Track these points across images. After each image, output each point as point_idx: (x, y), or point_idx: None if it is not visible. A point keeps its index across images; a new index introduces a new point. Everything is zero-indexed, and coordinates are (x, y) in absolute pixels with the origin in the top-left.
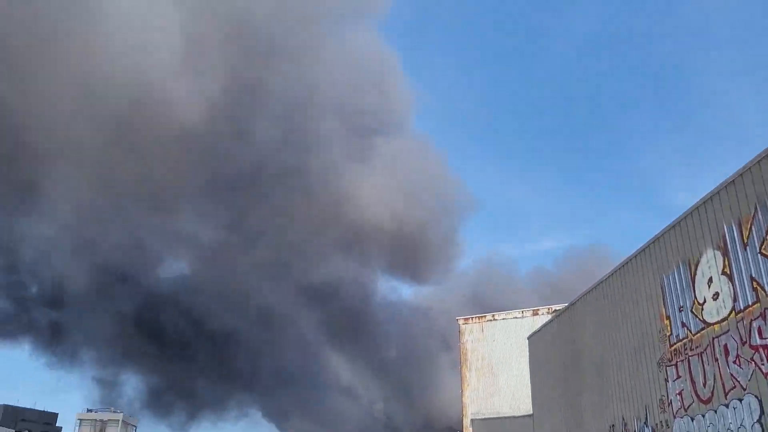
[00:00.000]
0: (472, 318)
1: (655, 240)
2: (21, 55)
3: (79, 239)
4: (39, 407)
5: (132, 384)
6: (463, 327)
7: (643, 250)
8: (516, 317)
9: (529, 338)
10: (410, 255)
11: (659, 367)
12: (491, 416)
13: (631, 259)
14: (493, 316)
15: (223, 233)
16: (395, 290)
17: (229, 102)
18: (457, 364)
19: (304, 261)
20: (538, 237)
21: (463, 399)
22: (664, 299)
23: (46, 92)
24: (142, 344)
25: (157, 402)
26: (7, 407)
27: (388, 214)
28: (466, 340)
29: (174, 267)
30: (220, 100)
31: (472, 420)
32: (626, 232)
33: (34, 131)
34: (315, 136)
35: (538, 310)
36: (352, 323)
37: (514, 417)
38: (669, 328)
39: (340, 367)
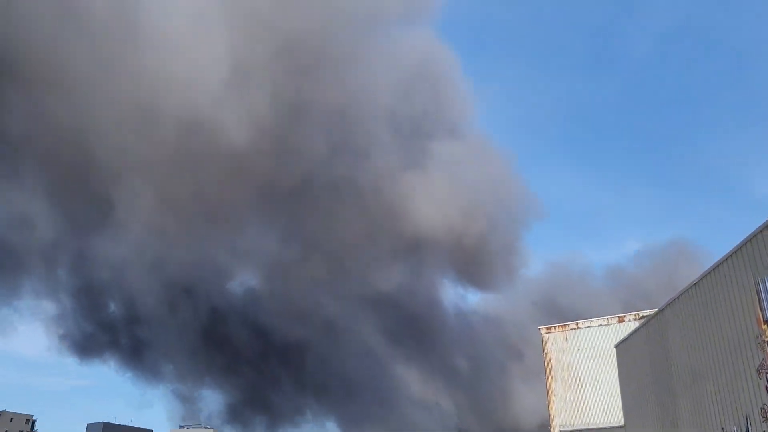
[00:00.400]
0: (554, 327)
1: (749, 241)
2: (86, 84)
3: (151, 258)
4: (134, 424)
5: (211, 398)
6: (545, 336)
7: (736, 252)
8: (601, 325)
9: (616, 346)
10: (477, 263)
11: (759, 375)
12: (581, 427)
13: (722, 262)
14: (577, 324)
15: (288, 247)
16: (464, 299)
17: (283, 118)
18: (532, 373)
19: (370, 271)
20: (616, 240)
21: (550, 410)
22: (760, 303)
23: (110, 118)
24: (217, 358)
25: (237, 415)
26: (106, 424)
27: (451, 221)
28: (550, 350)
29: (241, 282)
30: (272, 118)
31: None
32: (711, 230)
33: (105, 152)
34: (376, 144)
35: (624, 317)
36: (423, 333)
37: (606, 428)
38: (767, 333)
39: (413, 378)
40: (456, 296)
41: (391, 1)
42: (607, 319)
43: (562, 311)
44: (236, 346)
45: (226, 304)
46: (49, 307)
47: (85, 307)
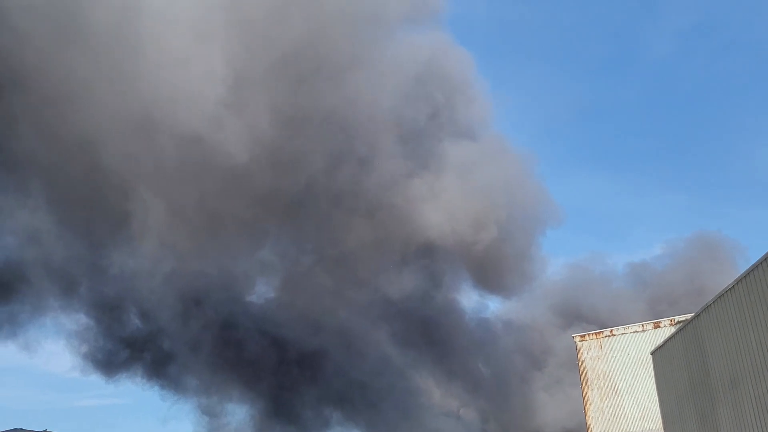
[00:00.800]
0: (588, 335)
1: None
2: (89, 98)
3: (165, 272)
4: None
5: (236, 411)
6: (579, 344)
7: None
8: (636, 331)
9: (652, 353)
10: (494, 269)
11: None
12: None
13: (757, 266)
14: (611, 331)
15: (301, 257)
16: (483, 305)
17: (288, 127)
18: (555, 379)
19: (388, 279)
20: (641, 244)
21: (587, 420)
22: None
23: (113, 132)
24: (238, 371)
25: (263, 428)
26: None
27: (467, 227)
28: (584, 358)
29: (257, 294)
30: (277, 128)
31: None
32: (740, 229)
33: (112, 165)
34: (387, 149)
35: (659, 322)
36: (442, 340)
37: None
38: None
39: (435, 386)
40: (475, 303)
41: (396, 3)
42: (642, 325)
43: (585, 315)
44: (256, 359)
45: (242, 316)
46: (71, 324)
47: (107, 324)
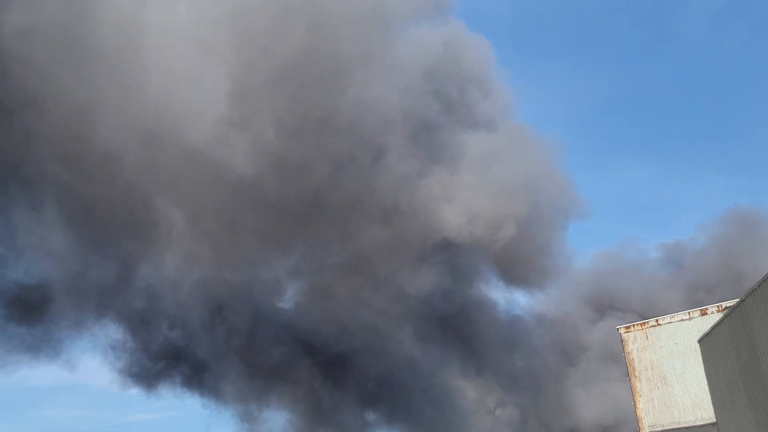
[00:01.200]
0: (633, 326)
1: None
2: (99, 114)
3: (194, 281)
4: None
5: (274, 417)
6: (625, 336)
7: None
8: (682, 319)
9: (700, 341)
10: (521, 264)
11: None
12: (670, 427)
13: None
14: (657, 321)
15: (328, 260)
16: (513, 301)
17: (297, 138)
18: (591, 374)
19: (410, 277)
20: (680, 232)
21: (637, 412)
22: None
23: (125, 147)
24: (273, 376)
25: None
26: None
27: (487, 227)
28: (631, 350)
29: (284, 299)
30: (283, 140)
31: None
32: None
33: (131, 180)
34: (396, 149)
35: (706, 309)
36: (476, 339)
37: (697, 426)
38: None
39: (473, 386)
40: (503, 298)
41: (404, 1)
42: (689, 313)
43: (619, 305)
44: (289, 364)
45: (271, 322)
46: (107, 339)
47: (141, 337)
